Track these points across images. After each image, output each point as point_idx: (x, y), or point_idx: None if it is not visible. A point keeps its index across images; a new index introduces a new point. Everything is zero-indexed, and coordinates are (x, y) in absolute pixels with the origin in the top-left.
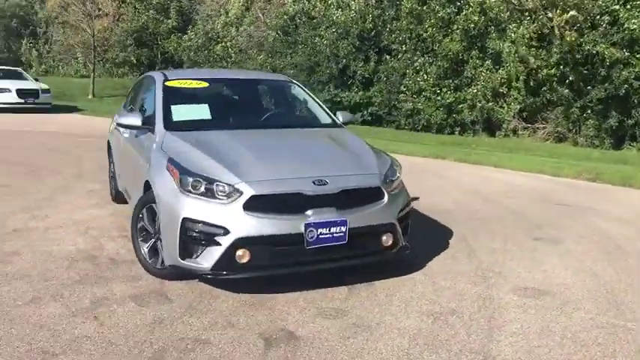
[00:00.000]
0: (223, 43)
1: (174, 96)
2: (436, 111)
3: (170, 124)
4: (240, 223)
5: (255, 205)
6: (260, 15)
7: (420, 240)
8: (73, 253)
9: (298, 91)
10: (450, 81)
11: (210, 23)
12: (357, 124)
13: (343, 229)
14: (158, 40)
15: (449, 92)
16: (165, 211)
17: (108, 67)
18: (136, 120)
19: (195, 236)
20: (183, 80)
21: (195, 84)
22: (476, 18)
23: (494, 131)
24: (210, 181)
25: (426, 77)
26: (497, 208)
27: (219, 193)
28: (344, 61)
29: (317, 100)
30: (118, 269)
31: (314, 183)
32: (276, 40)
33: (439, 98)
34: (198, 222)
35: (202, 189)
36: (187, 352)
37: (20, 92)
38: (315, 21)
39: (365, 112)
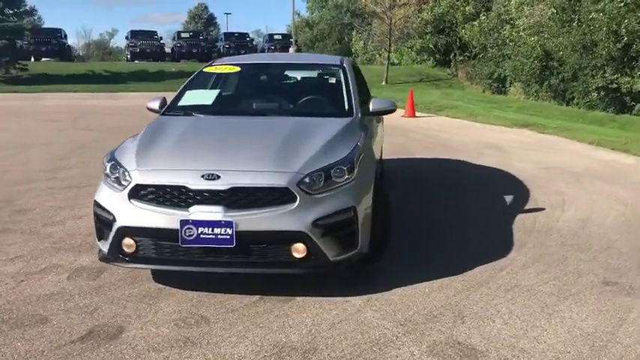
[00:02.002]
0: (512, 24)
1: (200, 81)
2: None
3: (172, 109)
4: (124, 212)
5: (140, 194)
6: None
7: (442, 261)
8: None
9: (339, 75)
10: None
11: (506, 4)
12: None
13: (229, 231)
14: (456, 26)
15: None
16: None
17: (408, 54)
18: (155, 104)
19: (100, 220)
20: (221, 65)
21: (227, 69)
22: None
23: None
24: (119, 166)
25: None
26: (625, 234)
27: (123, 180)
28: (625, 38)
29: (352, 87)
30: None
31: (202, 177)
32: (551, 18)
33: None
34: (100, 206)
35: (116, 174)
36: (18, 327)
37: None
38: None
39: None
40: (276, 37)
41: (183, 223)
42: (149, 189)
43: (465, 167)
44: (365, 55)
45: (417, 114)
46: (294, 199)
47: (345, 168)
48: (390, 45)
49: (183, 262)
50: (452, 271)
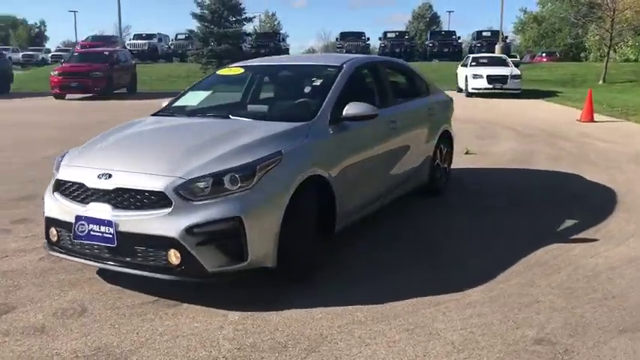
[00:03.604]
0: None
1: (208, 83)
2: None
3: (165, 110)
4: (49, 203)
5: (59, 188)
6: None
7: (383, 288)
8: None
9: (328, 78)
10: None
11: None
12: None
13: (111, 230)
14: None
15: None
16: None
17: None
18: (165, 103)
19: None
20: (233, 68)
21: (234, 71)
22: None
23: None
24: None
25: None
26: None
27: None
28: None
29: (333, 90)
30: None
31: (98, 176)
32: None
33: None
34: (43, 198)
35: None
36: None
37: (489, 78)
38: None
39: None
40: (484, 33)
41: (77, 218)
42: (64, 184)
43: (570, 183)
44: (600, 51)
45: (596, 118)
46: (168, 204)
47: (238, 176)
48: (610, 39)
49: (88, 256)
50: (376, 300)
